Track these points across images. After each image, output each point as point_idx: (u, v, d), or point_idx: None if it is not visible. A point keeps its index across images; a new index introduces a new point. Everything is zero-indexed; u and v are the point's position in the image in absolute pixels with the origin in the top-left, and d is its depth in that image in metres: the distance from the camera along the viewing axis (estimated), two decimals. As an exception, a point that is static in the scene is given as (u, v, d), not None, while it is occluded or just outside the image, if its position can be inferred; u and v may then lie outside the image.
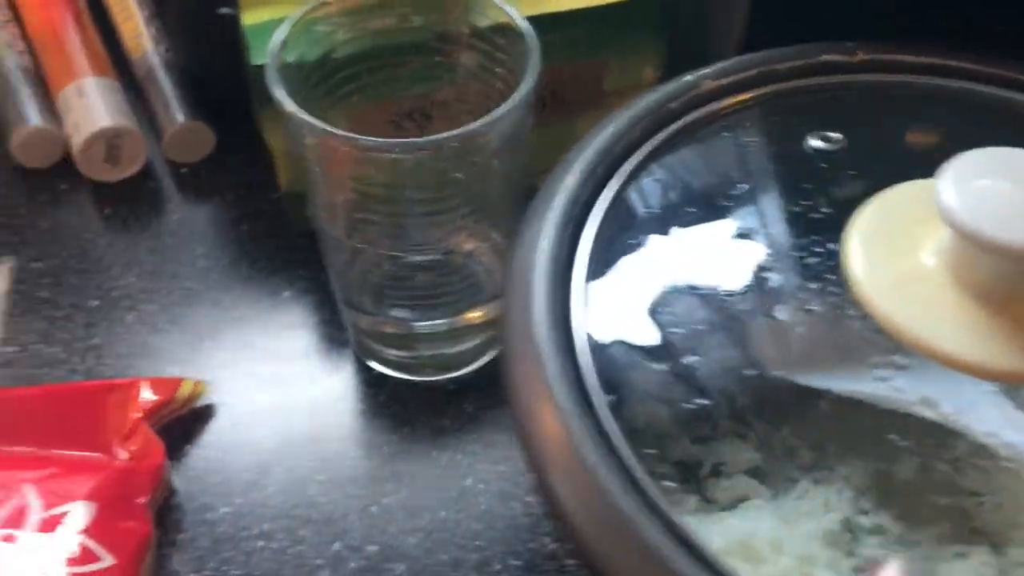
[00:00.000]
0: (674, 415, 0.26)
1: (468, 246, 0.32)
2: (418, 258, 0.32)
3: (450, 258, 0.32)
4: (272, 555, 0.29)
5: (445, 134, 0.25)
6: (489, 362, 0.33)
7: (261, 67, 0.31)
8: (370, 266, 0.32)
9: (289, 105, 0.26)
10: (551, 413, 0.22)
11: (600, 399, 0.22)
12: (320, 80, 0.29)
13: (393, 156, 0.25)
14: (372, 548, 0.29)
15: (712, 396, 0.26)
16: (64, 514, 0.27)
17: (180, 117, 0.39)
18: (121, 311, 0.35)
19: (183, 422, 0.32)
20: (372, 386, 0.33)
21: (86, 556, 0.26)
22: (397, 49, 0.30)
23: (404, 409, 0.32)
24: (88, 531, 0.26)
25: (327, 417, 0.32)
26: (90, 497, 0.27)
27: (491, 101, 0.32)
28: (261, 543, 0.29)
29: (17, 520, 0.26)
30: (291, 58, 0.27)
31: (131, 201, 0.38)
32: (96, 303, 0.35)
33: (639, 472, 0.21)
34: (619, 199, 0.26)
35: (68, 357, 0.33)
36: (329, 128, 0.25)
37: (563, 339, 0.23)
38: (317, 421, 0.32)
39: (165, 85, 0.39)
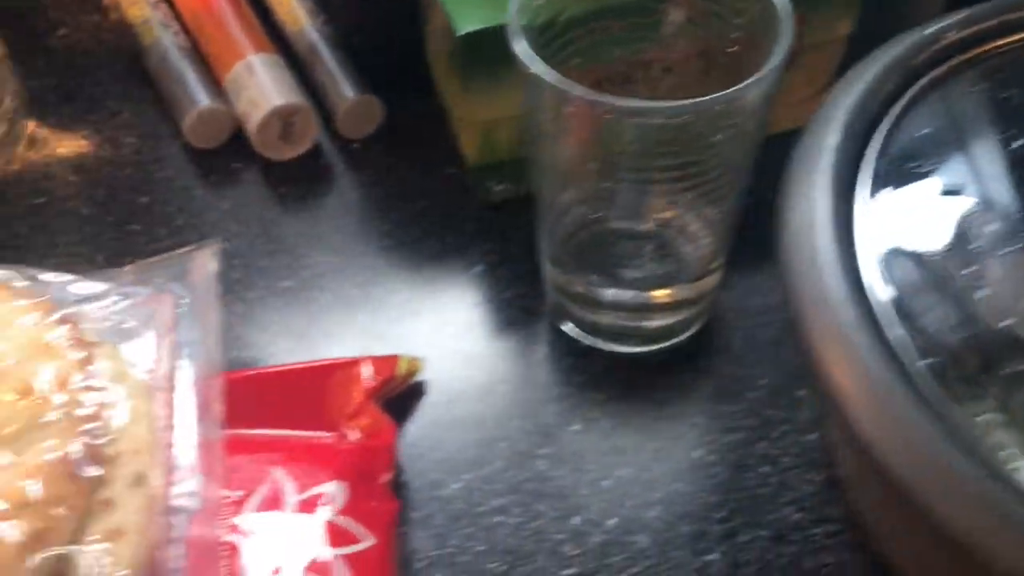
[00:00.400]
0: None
1: (679, 221, 0.31)
2: (628, 226, 0.31)
3: (660, 230, 0.31)
4: (512, 530, 0.29)
5: (713, 96, 0.24)
6: (695, 334, 0.32)
7: (466, 36, 0.31)
8: (578, 228, 0.31)
9: (539, 68, 0.25)
10: (867, 384, 0.21)
11: (911, 357, 0.22)
12: (544, 44, 0.28)
13: (658, 121, 0.24)
14: (612, 522, 0.29)
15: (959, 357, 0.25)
16: (319, 495, 0.26)
17: (350, 92, 0.38)
18: (315, 291, 0.34)
19: (399, 400, 0.31)
20: (581, 358, 0.32)
21: (347, 537, 0.26)
22: (611, 10, 0.29)
23: (617, 382, 0.32)
24: (344, 512, 0.26)
25: (539, 391, 0.32)
26: (338, 478, 0.27)
27: (695, 60, 0.31)
28: (499, 518, 0.29)
29: (275, 503, 0.26)
30: (523, 22, 0.27)
31: (306, 179, 0.38)
32: (289, 283, 0.35)
33: (955, 412, 0.21)
34: (884, 155, 0.25)
35: (271, 339, 0.33)
36: (590, 93, 0.24)
37: (860, 299, 0.22)
38: (529, 396, 0.32)
39: (329, 59, 0.39)
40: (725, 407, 0.31)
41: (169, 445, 0.26)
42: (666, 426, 0.31)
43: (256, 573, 0.24)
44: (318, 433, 0.29)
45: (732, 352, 0.32)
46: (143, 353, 0.27)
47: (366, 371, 0.30)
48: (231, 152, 0.39)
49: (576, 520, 0.29)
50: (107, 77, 0.42)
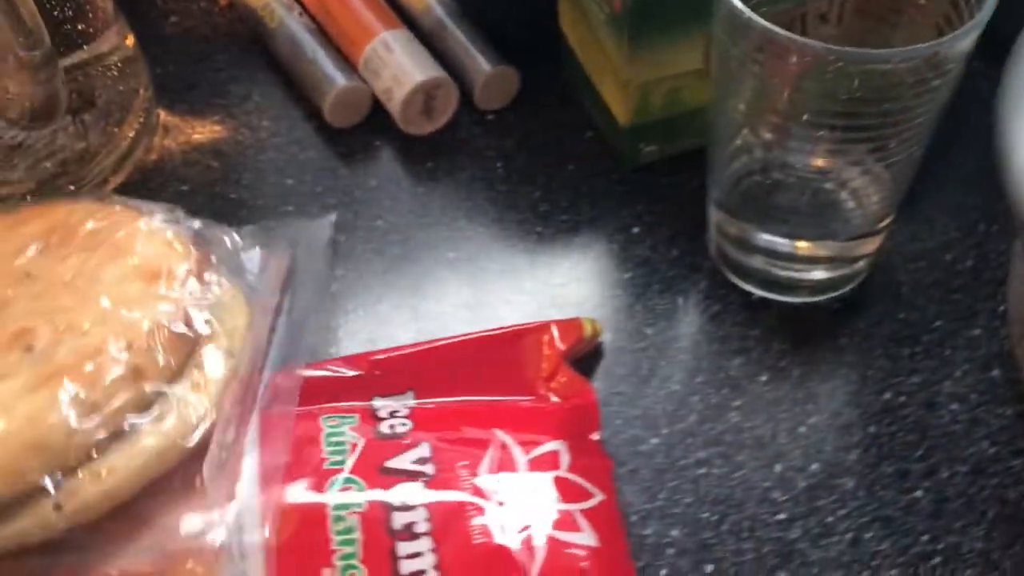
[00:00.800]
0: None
1: (848, 175, 0.31)
2: (797, 177, 0.32)
3: (827, 185, 0.32)
4: (718, 480, 0.29)
5: (939, 40, 0.24)
6: (862, 283, 0.33)
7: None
8: (746, 174, 0.32)
9: (753, 17, 0.25)
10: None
11: None
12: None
13: (886, 67, 0.25)
14: (815, 466, 0.29)
15: None
16: (546, 454, 0.27)
17: (486, 64, 0.38)
18: (481, 260, 0.35)
19: (579, 362, 0.32)
20: (755, 311, 0.33)
21: (580, 493, 0.27)
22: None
23: (794, 332, 0.32)
24: (572, 469, 0.27)
25: (719, 345, 0.32)
26: (557, 437, 0.28)
27: (848, 6, 0.32)
28: (703, 470, 0.30)
29: (507, 463, 0.27)
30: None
31: (447, 152, 0.38)
32: (453, 255, 0.35)
33: None
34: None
35: (444, 310, 0.33)
36: (812, 41, 0.25)
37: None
38: (711, 350, 0.32)
39: (460, 34, 0.39)
40: (904, 350, 0.32)
41: (263, 352, 0.28)
42: (851, 372, 0.31)
43: (505, 531, 0.25)
44: (519, 397, 0.30)
45: (902, 297, 0.33)
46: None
47: (555, 334, 0.31)
48: (367, 130, 0.39)
49: (779, 467, 0.30)
50: (226, 62, 0.42)
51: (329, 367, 0.30)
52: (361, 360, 0.30)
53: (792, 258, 0.33)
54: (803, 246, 0.33)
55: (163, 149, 0.39)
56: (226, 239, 0.31)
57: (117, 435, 0.25)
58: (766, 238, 0.32)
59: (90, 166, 0.37)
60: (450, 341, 0.31)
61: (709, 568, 0.27)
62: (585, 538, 0.25)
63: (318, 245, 0.34)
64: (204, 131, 0.40)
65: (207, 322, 0.28)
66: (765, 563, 0.28)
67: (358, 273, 0.35)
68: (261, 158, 0.39)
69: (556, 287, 0.34)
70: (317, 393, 0.29)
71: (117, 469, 0.25)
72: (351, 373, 0.30)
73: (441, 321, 0.33)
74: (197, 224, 0.31)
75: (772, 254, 0.33)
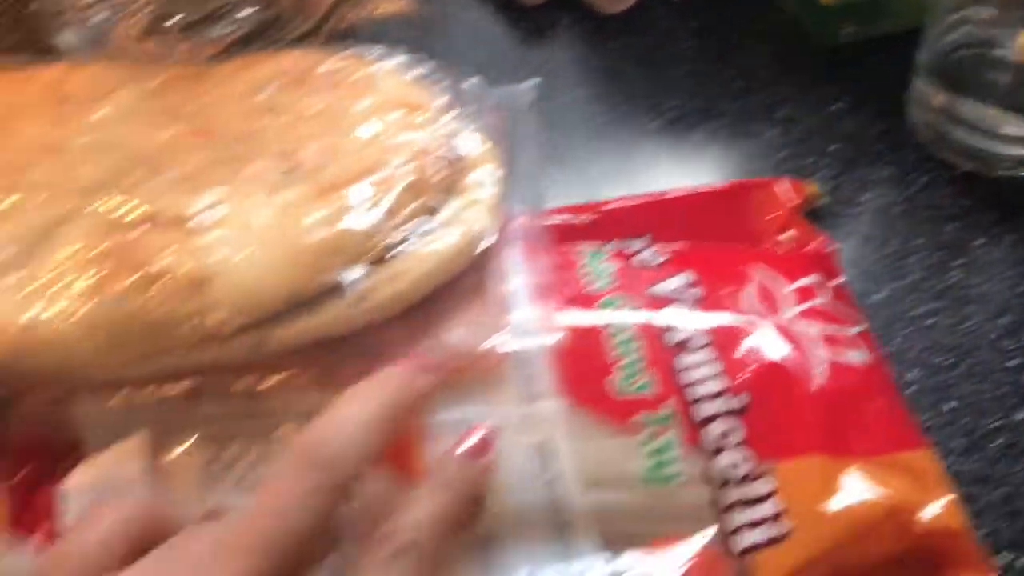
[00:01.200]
0: None
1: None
2: (1008, 52, 0.32)
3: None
4: (946, 331, 0.30)
5: None
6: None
7: None
8: (961, 45, 0.33)
9: None
10: None
11: None
12: None
13: None
14: (1039, 321, 0.30)
15: None
16: (805, 287, 0.28)
17: (677, -53, 0.39)
18: (684, 130, 0.35)
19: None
20: (962, 184, 0.33)
21: (845, 320, 0.27)
22: None
23: (1003, 203, 0.33)
24: (832, 299, 0.28)
25: (932, 212, 0.33)
26: (811, 273, 0.28)
27: None
28: (931, 320, 0.30)
29: (770, 292, 0.27)
30: None
31: (638, 32, 0.38)
32: (655, 124, 0.35)
33: None
34: None
35: (655, 175, 0.34)
36: None
37: None
38: (923, 216, 0.33)
39: (647, -82, 0.40)
40: (1116, 222, 0.33)
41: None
42: (1062, 242, 0.33)
43: (782, 349, 0.25)
44: (751, 244, 0.30)
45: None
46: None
47: (783, 188, 0.31)
48: (554, 7, 0.39)
49: (1005, 320, 0.30)
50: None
51: (564, 214, 0.31)
52: (593, 209, 0.31)
53: (998, 133, 0.33)
54: (1009, 120, 0.33)
55: (352, 20, 0.39)
56: (462, 84, 0.32)
57: (407, 240, 0.25)
58: (973, 112, 0.33)
59: (283, 32, 0.38)
60: (680, 193, 0.31)
61: (951, 405, 0.28)
62: (858, 356, 0.26)
63: (524, 107, 0.34)
64: (392, 4, 0.40)
65: (471, 147, 0.28)
66: (1004, 402, 0.28)
67: (564, 140, 0.35)
68: (450, 32, 0.39)
69: (762, 156, 0.35)
70: (559, 235, 0.29)
71: (408, 271, 0.25)
72: (586, 219, 0.30)
73: (653, 183, 0.34)
74: (432, 67, 0.32)
75: (978, 128, 0.33)
